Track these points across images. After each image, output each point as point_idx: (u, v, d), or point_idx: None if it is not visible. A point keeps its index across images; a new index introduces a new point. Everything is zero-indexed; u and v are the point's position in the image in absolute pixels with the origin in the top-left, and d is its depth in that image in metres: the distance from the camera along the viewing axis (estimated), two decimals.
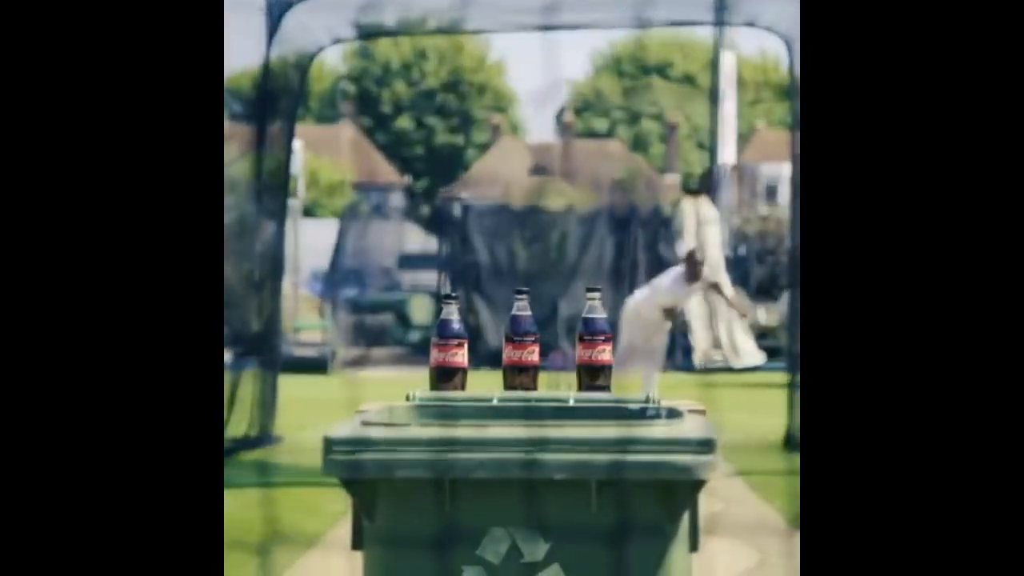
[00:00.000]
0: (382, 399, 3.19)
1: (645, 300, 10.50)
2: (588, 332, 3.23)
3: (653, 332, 10.40)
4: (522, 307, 3.24)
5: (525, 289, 3.27)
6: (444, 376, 3.21)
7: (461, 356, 3.21)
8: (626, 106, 57.50)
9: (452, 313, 3.22)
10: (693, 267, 10.37)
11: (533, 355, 3.24)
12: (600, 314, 3.24)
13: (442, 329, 3.21)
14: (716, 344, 18.73)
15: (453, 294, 3.30)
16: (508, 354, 3.23)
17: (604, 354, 3.22)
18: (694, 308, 18.69)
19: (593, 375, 3.23)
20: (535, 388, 3.24)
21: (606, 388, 3.23)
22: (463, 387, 3.21)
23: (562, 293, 18.47)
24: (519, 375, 3.23)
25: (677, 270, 10.66)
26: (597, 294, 3.25)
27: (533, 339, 3.23)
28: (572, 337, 3.43)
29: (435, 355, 3.21)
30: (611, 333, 3.24)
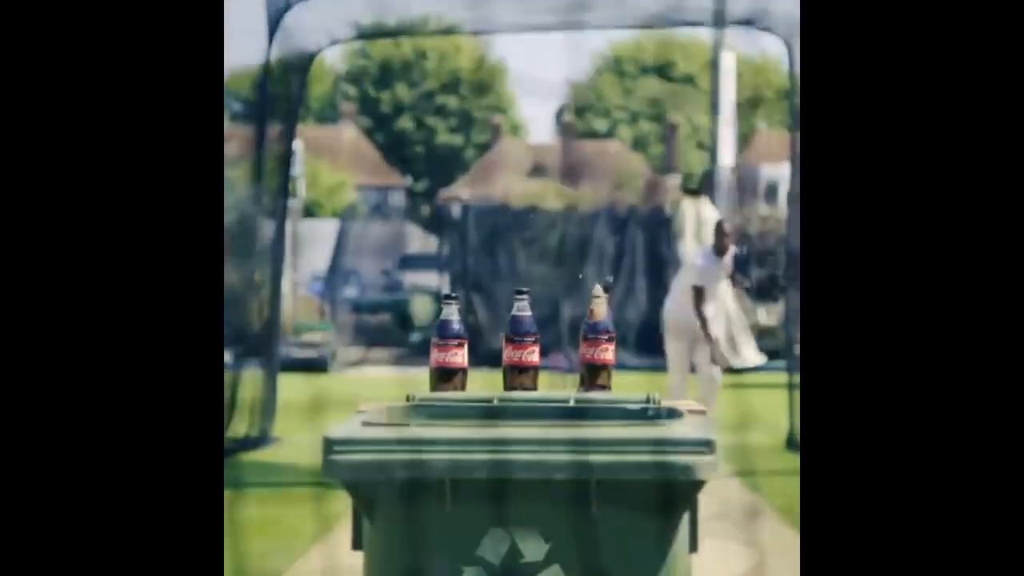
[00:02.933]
0: (382, 399, 3.20)
1: (681, 294, 9.81)
2: (591, 332, 3.24)
3: (699, 329, 9.68)
4: (522, 307, 3.24)
5: (525, 289, 3.28)
6: (444, 376, 3.21)
7: (461, 356, 3.21)
8: (626, 106, 57.50)
9: (452, 314, 3.22)
10: (721, 239, 9.68)
11: (533, 355, 3.24)
12: (604, 315, 3.25)
13: (442, 330, 3.21)
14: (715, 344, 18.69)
15: (453, 294, 3.30)
16: (508, 354, 3.24)
17: (607, 353, 3.23)
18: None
19: (595, 375, 3.24)
20: (535, 388, 3.24)
21: (607, 388, 3.23)
22: (463, 387, 3.21)
23: (562, 294, 18.47)
24: (519, 375, 3.23)
25: (706, 249, 10.05)
26: (601, 292, 3.27)
27: (533, 339, 3.24)
28: (573, 338, 3.43)
29: (435, 355, 3.21)
30: (613, 332, 3.25)
